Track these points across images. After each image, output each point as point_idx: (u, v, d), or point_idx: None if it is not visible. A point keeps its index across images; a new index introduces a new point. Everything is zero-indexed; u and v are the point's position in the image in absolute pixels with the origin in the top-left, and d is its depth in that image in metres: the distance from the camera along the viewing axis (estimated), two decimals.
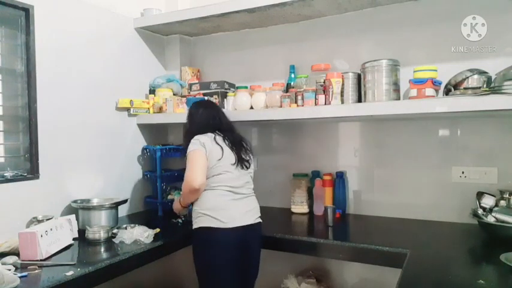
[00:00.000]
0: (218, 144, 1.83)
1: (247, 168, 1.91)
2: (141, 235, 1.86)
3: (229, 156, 1.84)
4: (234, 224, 1.77)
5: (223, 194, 1.81)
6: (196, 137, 1.84)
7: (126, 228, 1.94)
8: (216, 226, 1.76)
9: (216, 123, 1.94)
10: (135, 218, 2.39)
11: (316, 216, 2.33)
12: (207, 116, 1.95)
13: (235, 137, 1.93)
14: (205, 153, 1.79)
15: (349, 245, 1.79)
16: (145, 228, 1.92)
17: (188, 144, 1.85)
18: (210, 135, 1.86)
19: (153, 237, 1.89)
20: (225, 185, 1.81)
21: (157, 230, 1.95)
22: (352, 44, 2.32)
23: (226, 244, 1.78)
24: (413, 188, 2.22)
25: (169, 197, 2.52)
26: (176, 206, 2.06)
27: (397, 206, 2.25)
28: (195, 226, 1.82)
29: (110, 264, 1.62)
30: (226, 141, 1.87)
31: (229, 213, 1.79)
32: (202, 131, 1.88)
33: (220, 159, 1.81)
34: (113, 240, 1.87)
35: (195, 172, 1.77)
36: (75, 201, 2.10)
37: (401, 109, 1.86)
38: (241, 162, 1.87)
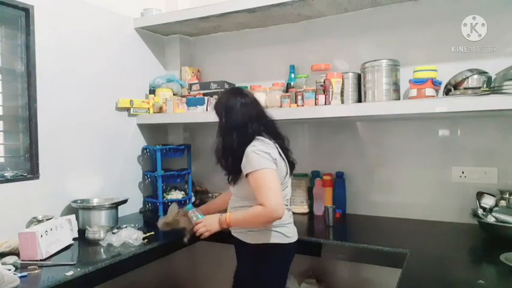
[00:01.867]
0: (282, 157, 1.65)
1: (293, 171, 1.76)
2: (129, 237, 1.83)
3: (288, 167, 1.68)
4: (295, 239, 1.70)
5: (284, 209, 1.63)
6: (263, 149, 1.54)
7: (126, 227, 1.94)
8: (284, 242, 1.63)
9: (267, 121, 1.69)
10: (135, 218, 2.39)
11: (316, 216, 2.33)
12: (252, 111, 1.64)
13: (283, 139, 1.72)
14: (277, 171, 1.56)
15: (349, 245, 1.79)
16: (133, 230, 1.89)
17: (227, 144, 1.59)
18: (272, 145, 1.62)
19: (147, 239, 1.86)
20: (285, 199, 1.67)
21: (152, 233, 1.92)
22: (352, 44, 2.32)
23: (290, 259, 1.72)
24: (413, 188, 2.22)
25: (169, 196, 2.52)
26: (214, 227, 1.64)
27: (397, 206, 2.25)
28: (259, 241, 1.61)
29: (110, 264, 1.62)
30: (280, 146, 1.67)
31: (291, 228, 1.69)
32: (251, 131, 1.60)
33: (286, 175, 1.65)
34: (100, 243, 1.82)
35: (278, 198, 1.50)
36: (75, 201, 2.10)
37: (401, 109, 1.86)
38: (291, 169, 1.72)
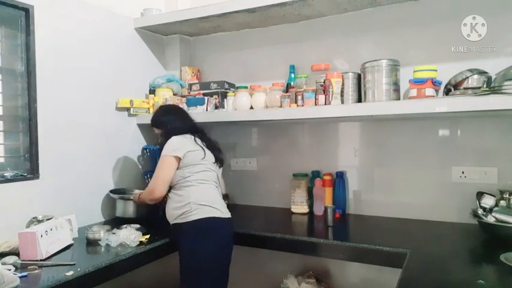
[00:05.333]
0: (198, 144, 1.94)
1: (222, 166, 2.06)
2: (127, 238, 1.83)
3: (210, 155, 1.96)
4: (228, 215, 1.91)
5: (213, 188, 1.94)
6: (176, 139, 1.90)
7: (126, 227, 1.94)
8: (218, 216, 1.85)
9: (192, 125, 2.04)
10: (134, 218, 2.38)
11: (316, 216, 2.33)
12: (182, 119, 2.03)
13: (209, 138, 2.04)
14: (185, 155, 1.86)
15: (349, 245, 1.79)
16: (132, 230, 1.89)
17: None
18: (189, 136, 1.95)
19: (146, 240, 1.87)
20: (213, 180, 1.95)
21: (147, 236, 1.91)
22: (352, 44, 2.32)
23: (227, 232, 1.89)
24: (413, 188, 2.22)
25: None
26: (135, 199, 2.12)
27: (397, 206, 2.25)
28: (193, 218, 1.81)
29: (110, 264, 1.62)
30: (203, 142, 1.98)
31: (222, 205, 1.93)
32: (184, 133, 1.96)
33: (203, 158, 1.92)
34: (99, 243, 1.84)
35: (159, 182, 1.87)
36: (113, 191, 2.28)
37: (401, 109, 1.86)
38: (219, 161, 2.02)
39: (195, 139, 1.95)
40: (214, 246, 1.81)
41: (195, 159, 1.89)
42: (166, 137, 1.94)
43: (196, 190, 1.86)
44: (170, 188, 1.94)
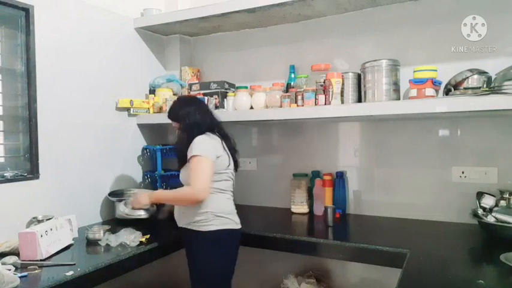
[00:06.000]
0: (225, 150, 1.85)
1: (237, 169, 1.98)
2: (127, 238, 1.83)
3: (232, 162, 1.88)
4: (240, 225, 1.88)
5: (230, 198, 1.90)
6: (207, 140, 1.79)
7: (126, 227, 1.94)
8: (235, 228, 1.84)
9: (213, 119, 1.92)
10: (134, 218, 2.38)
11: (316, 216, 2.33)
12: (202, 113, 1.88)
13: (230, 140, 1.94)
14: (215, 161, 1.77)
15: (349, 245, 1.79)
16: (132, 230, 1.89)
17: (192, 138, 1.78)
18: (218, 139, 1.85)
19: (145, 241, 1.86)
20: (230, 190, 1.90)
21: (147, 236, 1.90)
22: (352, 44, 2.32)
23: (237, 243, 1.89)
24: (413, 188, 2.22)
25: None
26: (143, 199, 1.91)
27: (397, 206, 2.25)
28: (211, 228, 1.77)
29: (110, 264, 1.62)
30: (227, 145, 1.89)
31: (236, 215, 1.89)
32: (205, 129, 1.84)
33: (228, 166, 1.85)
34: (99, 243, 1.84)
35: (206, 183, 1.72)
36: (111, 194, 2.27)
37: (401, 109, 1.86)
38: (236, 166, 1.94)
39: (222, 142, 1.86)
40: (226, 257, 1.82)
41: (221, 167, 1.81)
42: (187, 132, 1.82)
43: (215, 199, 1.79)
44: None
